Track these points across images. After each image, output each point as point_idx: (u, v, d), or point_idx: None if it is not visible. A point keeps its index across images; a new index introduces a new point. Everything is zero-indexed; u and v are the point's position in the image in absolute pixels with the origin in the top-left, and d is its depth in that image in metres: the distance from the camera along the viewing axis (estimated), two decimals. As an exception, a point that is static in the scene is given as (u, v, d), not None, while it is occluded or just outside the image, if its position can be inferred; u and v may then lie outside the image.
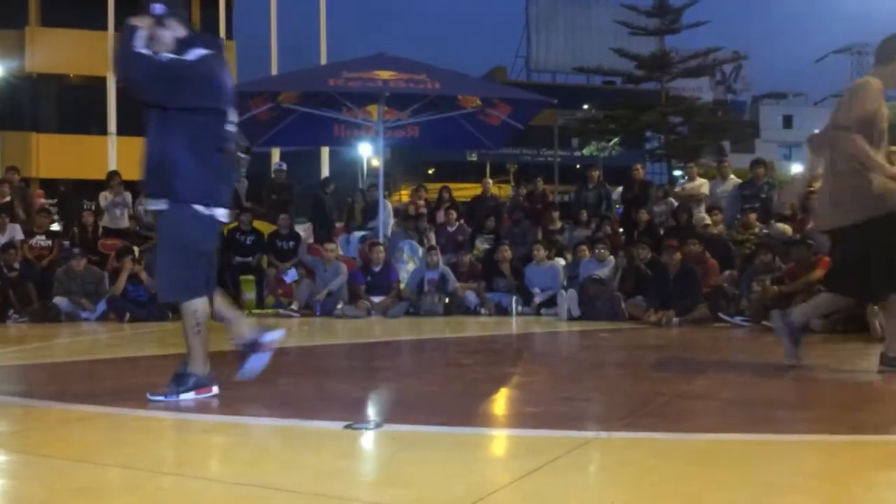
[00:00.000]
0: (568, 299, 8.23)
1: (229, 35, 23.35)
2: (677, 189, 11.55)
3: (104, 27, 18.27)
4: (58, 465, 2.34)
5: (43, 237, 9.66)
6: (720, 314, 7.60)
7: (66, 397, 3.52)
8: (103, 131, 19.49)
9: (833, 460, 2.43)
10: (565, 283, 8.96)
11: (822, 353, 5.33)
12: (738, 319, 7.43)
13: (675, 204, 10.71)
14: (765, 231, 9.19)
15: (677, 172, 30.58)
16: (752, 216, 9.43)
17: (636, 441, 2.66)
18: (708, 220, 9.56)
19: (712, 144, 35.02)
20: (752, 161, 10.91)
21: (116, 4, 17.34)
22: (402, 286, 9.23)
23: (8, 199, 10.19)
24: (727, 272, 8.47)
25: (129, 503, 1.99)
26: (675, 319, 7.50)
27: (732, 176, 11.08)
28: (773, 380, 4.19)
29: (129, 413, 3.21)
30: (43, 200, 11.71)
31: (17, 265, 8.89)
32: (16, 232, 9.60)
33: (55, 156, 24.16)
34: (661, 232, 10.07)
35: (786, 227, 8.93)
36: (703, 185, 11.02)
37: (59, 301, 8.44)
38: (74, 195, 12.63)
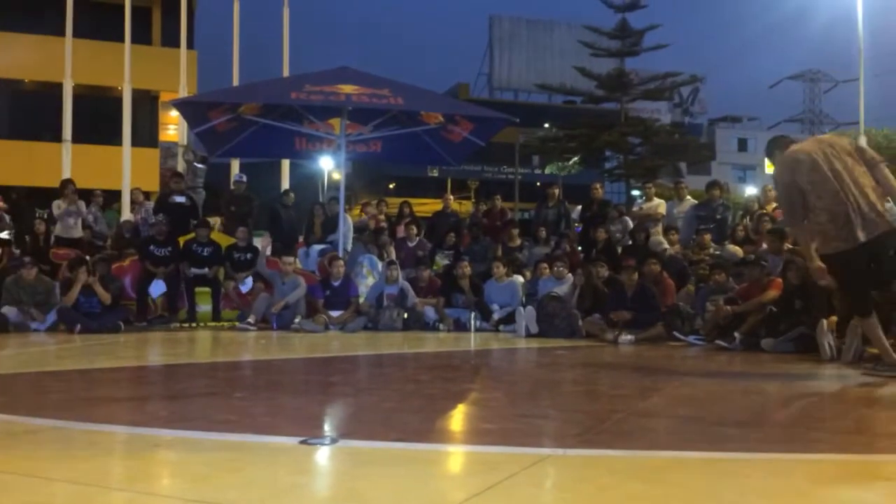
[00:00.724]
0: (526, 316, 8.27)
1: (190, 44, 23.10)
2: (635, 209, 11.72)
3: (62, 33, 17.95)
4: (4, 480, 2.27)
5: (-8, 245, 9.43)
6: (675, 332, 7.70)
7: (12, 409, 3.43)
8: (57, 138, 19.10)
9: (786, 479, 2.47)
10: (524, 300, 9.01)
11: (774, 372, 5.44)
12: (692, 338, 7.54)
13: (632, 223, 10.86)
14: (717, 252, 9.37)
15: (635, 192, 31.02)
16: (707, 237, 9.62)
17: (592, 458, 2.68)
18: (665, 244, 9.73)
19: (669, 165, 35.65)
20: (708, 183, 11.14)
21: (75, 10, 17.05)
22: (361, 301, 9.19)
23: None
24: (683, 291, 8.61)
25: (76, 520, 1.94)
26: (630, 337, 7.58)
27: (689, 197, 11.30)
28: (727, 398, 4.25)
29: (77, 426, 3.13)
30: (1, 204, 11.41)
31: (-37, 273, 8.65)
32: (-37, 239, 9.35)
33: (7, 162, 23.58)
34: (619, 251, 10.21)
35: (737, 249, 9.12)
36: (660, 205, 11.19)
37: (8, 311, 8.23)
38: (26, 203, 12.35)
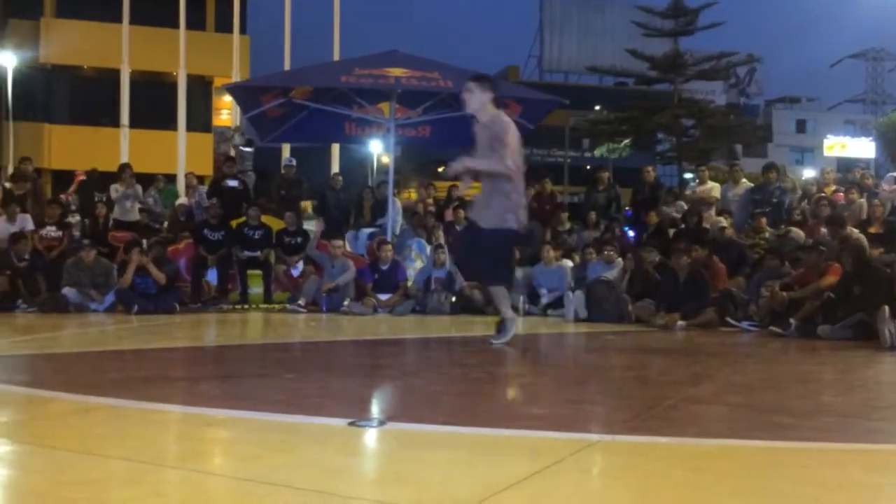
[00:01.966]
0: (575, 300, 8.21)
1: (243, 29, 23.37)
2: (688, 192, 11.52)
3: (119, 20, 18.33)
4: (61, 457, 2.34)
5: (53, 228, 9.70)
6: (728, 318, 7.56)
7: (71, 388, 3.53)
8: (116, 123, 19.56)
9: (841, 469, 2.41)
10: (573, 284, 8.94)
11: (831, 361, 5.30)
12: (745, 324, 7.40)
13: (685, 207, 10.67)
14: (777, 235, 9.15)
15: (688, 175, 30.47)
16: (763, 220, 9.39)
17: (640, 445, 2.65)
18: (724, 223, 9.48)
19: (724, 148, 34.90)
20: (765, 165, 10.87)
21: (131, -2, 17.41)
22: (409, 284, 9.23)
23: (26, 190, 10.27)
24: (741, 277, 8.42)
25: (131, 496, 1.99)
26: (682, 323, 7.46)
27: (744, 180, 11.04)
28: (781, 386, 4.16)
29: (133, 405, 3.22)
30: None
31: (27, 255, 8.93)
32: (26, 222, 9.64)
33: (67, 147, 24.27)
34: (671, 234, 10.05)
35: (799, 233, 8.90)
36: (713, 188, 10.97)
37: (68, 292, 8.48)
38: (90, 186, 12.68)
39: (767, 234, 9.25)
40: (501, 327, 5.44)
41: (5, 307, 8.17)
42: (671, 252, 8.31)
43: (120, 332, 6.81)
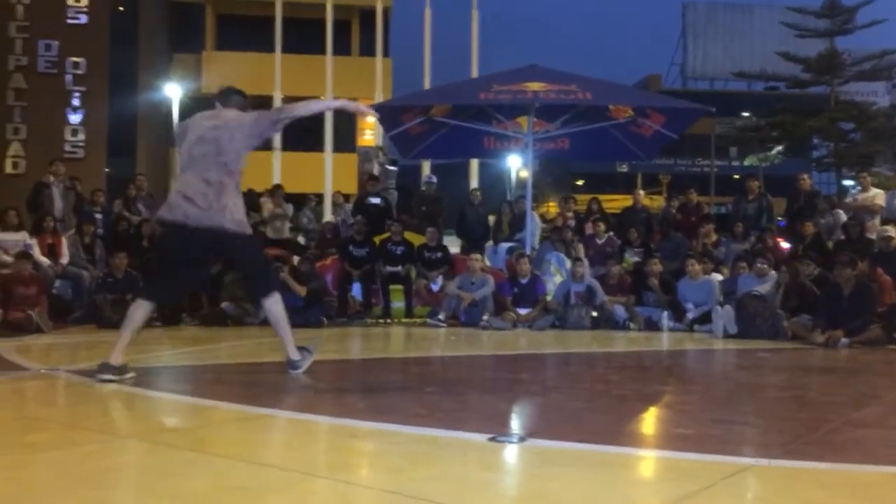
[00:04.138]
0: (724, 316, 7.84)
1: (386, 52, 24.14)
2: (848, 200, 10.78)
3: (272, 49, 19.45)
4: (221, 463, 2.48)
5: (213, 246, 10.32)
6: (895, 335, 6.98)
7: (229, 397, 3.74)
8: (269, 147, 20.71)
9: None
10: (721, 298, 8.54)
11: None
12: (917, 342, 6.80)
13: (846, 216, 9.99)
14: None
15: (848, 182, 28.51)
16: (934, 230, 8.62)
17: (799, 471, 2.48)
18: (891, 232, 8.76)
19: (888, 152, 32.40)
20: (936, 170, 10.01)
21: (283, 29, 18.42)
22: (548, 298, 9.15)
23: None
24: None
25: (284, 503, 2.07)
26: (845, 340, 6.95)
27: (912, 186, 10.21)
28: (961, 411, 3.79)
29: (285, 415, 3.37)
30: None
31: (190, 272, 9.56)
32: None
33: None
34: (830, 246, 9.43)
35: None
36: (877, 195, 10.21)
37: (227, 306, 8.99)
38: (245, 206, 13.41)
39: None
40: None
41: (172, 321, 8.78)
42: (831, 264, 7.79)
43: (273, 345, 7.11)
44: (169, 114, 24.91)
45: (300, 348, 4.62)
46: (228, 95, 4.58)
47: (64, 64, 19.95)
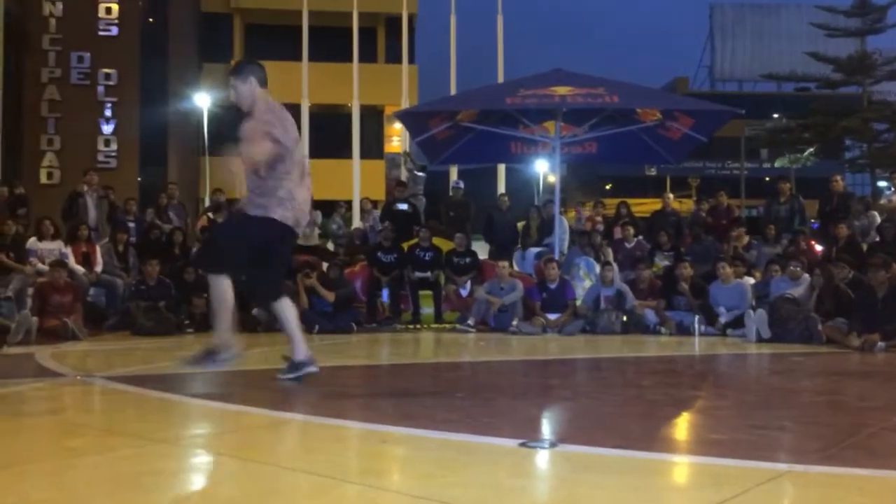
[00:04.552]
0: (757, 320, 7.74)
1: (411, 59, 24.21)
2: (883, 201, 10.60)
3: (299, 58, 19.59)
4: (251, 468, 2.49)
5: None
6: (935, 339, 6.83)
7: (260, 403, 3.77)
8: (297, 154, 20.87)
9: None
10: (754, 302, 8.43)
11: None
12: (957, 346, 6.65)
13: (880, 218, 9.82)
14: None
15: (882, 183, 28.02)
16: (974, 231, 8.45)
17: (837, 477, 2.44)
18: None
19: (924, 152, 31.81)
20: (974, 169, 9.80)
21: (310, 37, 18.59)
22: (578, 303, 9.10)
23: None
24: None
25: (315, 508, 2.08)
26: (882, 344, 6.82)
27: (949, 186, 10.01)
28: None
29: (315, 420, 3.38)
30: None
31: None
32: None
33: (252, 178, 26.12)
34: (864, 248, 9.27)
35: None
36: (913, 196, 10.02)
37: (258, 312, 9.06)
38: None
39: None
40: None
41: (204, 327, 8.87)
42: (866, 267, 7.65)
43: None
44: (199, 123, 25.22)
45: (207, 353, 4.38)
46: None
47: (96, 75, 20.32)
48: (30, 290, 8.19)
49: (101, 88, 20.33)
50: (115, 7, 20.81)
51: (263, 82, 4.48)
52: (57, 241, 9.28)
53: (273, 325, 8.90)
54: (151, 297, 8.74)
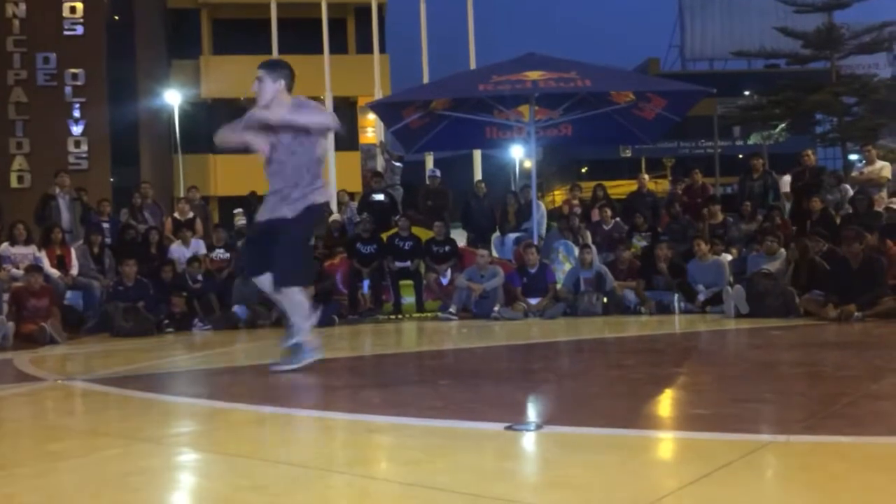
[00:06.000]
0: (735, 296, 7.83)
1: (382, 49, 24.08)
2: (854, 174, 10.73)
3: (268, 52, 19.42)
4: (239, 464, 2.48)
5: (221, 250, 10.37)
6: (909, 307, 6.94)
7: (246, 399, 3.75)
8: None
9: None
10: (731, 279, 8.52)
11: None
12: (931, 313, 6.77)
13: (852, 190, 9.95)
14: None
15: (853, 156, 28.37)
16: (943, 200, 8.58)
17: (819, 445, 2.48)
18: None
19: (892, 124, 32.24)
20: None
21: (279, 30, 18.41)
22: (558, 287, 9.15)
23: (191, 215, 11.09)
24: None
25: (303, 500, 2.08)
26: (858, 314, 6.93)
27: (918, 157, 10.16)
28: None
29: (302, 414, 3.37)
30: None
31: (200, 277, 9.60)
32: (199, 246, 10.38)
33: (231, 175, 25.91)
34: (838, 221, 9.39)
35: None
36: (884, 168, 10.17)
37: (238, 309, 9.02)
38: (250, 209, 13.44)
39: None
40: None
41: (184, 326, 8.81)
42: (840, 240, 7.76)
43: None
44: (170, 121, 24.95)
45: None
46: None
47: (63, 76, 19.99)
48: (5, 296, 8.08)
49: (68, 89, 20.01)
50: (79, 6, 20.45)
51: (290, 88, 4.71)
52: (30, 246, 9.15)
53: (255, 321, 8.89)
54: (130, 297, 8.67)
